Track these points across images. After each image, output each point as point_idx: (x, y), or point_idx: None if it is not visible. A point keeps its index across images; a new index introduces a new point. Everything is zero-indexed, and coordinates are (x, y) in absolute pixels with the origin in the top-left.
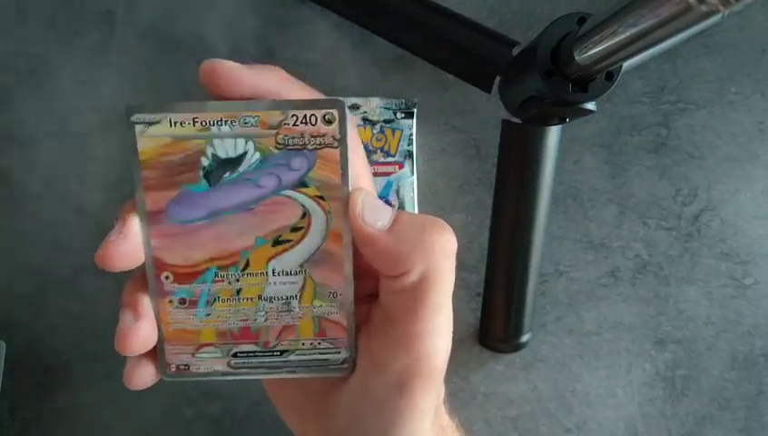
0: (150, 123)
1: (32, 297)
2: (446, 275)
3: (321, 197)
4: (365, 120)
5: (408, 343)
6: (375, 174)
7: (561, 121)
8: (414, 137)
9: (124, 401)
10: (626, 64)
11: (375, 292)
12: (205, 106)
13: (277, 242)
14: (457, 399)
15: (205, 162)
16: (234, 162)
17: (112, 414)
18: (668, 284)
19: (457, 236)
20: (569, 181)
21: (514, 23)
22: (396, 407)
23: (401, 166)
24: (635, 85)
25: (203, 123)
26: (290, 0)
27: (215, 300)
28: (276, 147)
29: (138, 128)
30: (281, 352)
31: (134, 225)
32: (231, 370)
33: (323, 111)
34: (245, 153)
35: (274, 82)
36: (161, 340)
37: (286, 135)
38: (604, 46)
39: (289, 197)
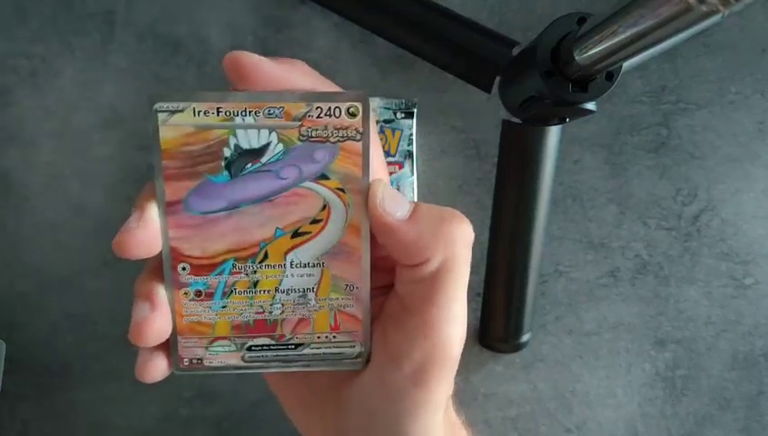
0: (173, 112)
1: (32, 297)
2: (463, 265)
3: (342, 189)
4: None
5: (426, 331)
6: None
7: (561, 121)
8: (414, 137)
9: (124, 402)
10: (626, 64)
11: (388, 285)
12: (229, 96)
13: (296, 234)
14: (458, 399)
15: (227, 152)
16: (257, 153)
17: (111, 414)
18: (668, 284)
19: None
20: (569, 181)
21: (514, 23)
22: (412, 398)
23: (401, 166)
24: (635, 85)
25: (227, 113)
26: (289, 0)
27: (231, 292)
28: (299, 139)
29: (161, 117)
30: (296, 346)
31: (153, 213)
32: (244, 364)
33: (347, 104)
34: (268, 144)
35: (297, 75)
36: (174, 332)
37: (309, 127)
38: (604, 46)
39: (309, 189)
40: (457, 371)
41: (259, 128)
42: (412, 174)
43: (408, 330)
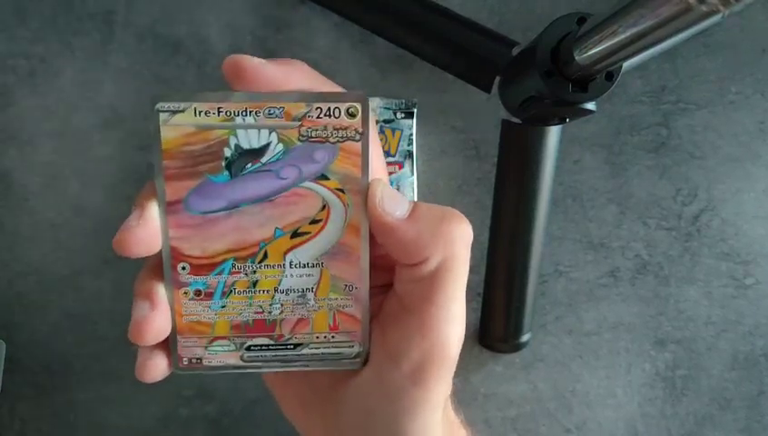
0: (174, 112)
1: (31, 297)
2: (462, 264)
3: (341, 190)
4: None
5: (424, 330)
6: None
7: (561, 121)
8: (414, 137)
9: (124, 402)
10: (626, 64)
11: (387, 284)
12: (230, 96)
13: (296, 235)
14: (457, 399)
15: (228, 152)
16: (257, 153)
17: (111, 414)
18: (668, 284)
19: None
20: (569, 181)
21: (514, 23)
22: (410, 397)
23: (401, 166)
24: (635, 85)
25: (228, 113)
26: (289, 0)
27: (231, 292)
28: (299, 139)
29: (162, 117)
30: (295, 346)
31: (153, 211)
32: (243, 363)
33: (347, 104)
34: (268, 145)
35: (297, 76)
36: (174, 332)
37: (309, 127)
38: (604, 46)
39: (309, 189)
40: (457, 371)
41: (259, 128)
42: (412, 174)
43: (407, 329)
